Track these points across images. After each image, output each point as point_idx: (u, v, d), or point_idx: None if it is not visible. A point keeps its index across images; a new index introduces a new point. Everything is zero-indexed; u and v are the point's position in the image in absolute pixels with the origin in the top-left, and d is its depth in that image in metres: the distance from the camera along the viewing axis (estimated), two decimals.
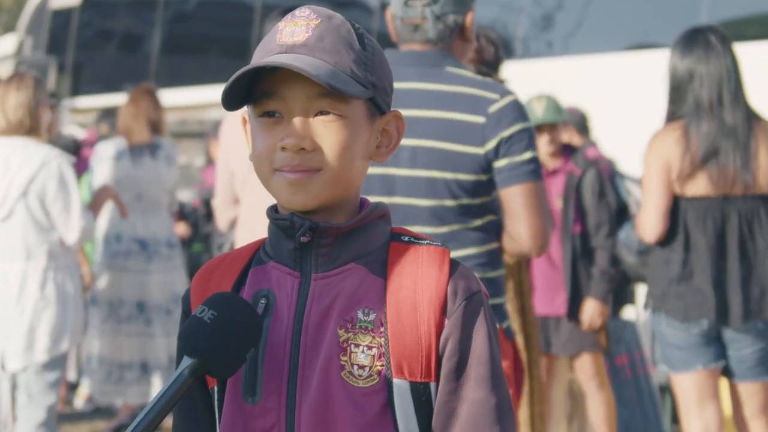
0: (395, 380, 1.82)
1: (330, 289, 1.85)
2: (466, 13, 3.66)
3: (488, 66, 4.82)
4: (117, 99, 10.27)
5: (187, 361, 1.76)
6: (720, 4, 8.90)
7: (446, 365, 1.83)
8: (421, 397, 1.83)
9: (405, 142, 3.45)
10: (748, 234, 4.77)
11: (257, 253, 1.93)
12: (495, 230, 3.61)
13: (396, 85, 3.50)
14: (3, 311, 5.76)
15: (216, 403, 1.89)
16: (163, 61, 13.93)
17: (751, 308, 4.75)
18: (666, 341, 4.89)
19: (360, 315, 1.83)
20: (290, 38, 1.83)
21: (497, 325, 3.42)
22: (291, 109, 1.82)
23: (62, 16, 15.32)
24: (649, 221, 4.82)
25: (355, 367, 1.82)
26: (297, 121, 1.81)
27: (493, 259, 3.59)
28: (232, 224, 5.21)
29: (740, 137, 4.73)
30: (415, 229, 3.35)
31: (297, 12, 1.86)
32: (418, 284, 1.84)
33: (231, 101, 1.84)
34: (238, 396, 1.85)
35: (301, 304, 1.85)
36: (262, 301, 1.86)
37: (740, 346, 4.79)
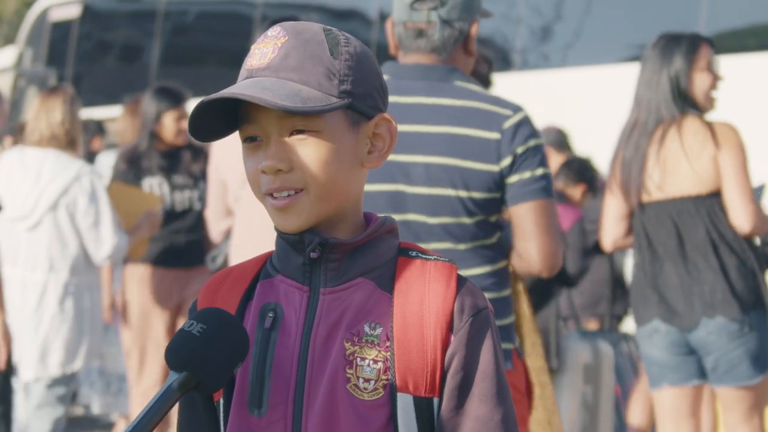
0: (399, 394, 1.84)
1: (338, 304, 1.86)
2: (472, 23, 3.54)
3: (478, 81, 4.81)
4: (117, 111, 10.27)
5: (175, 375, 1.76)
6: (718, 15, 8.92)
7: (451, 381, 1.84)
8: (424, 412, 1.85)
9: (416, 158, 3.40)
10: (686, 235, 4.77)
11: (264, 267, 1.94)
12: (504, 248, 3.53)
13: (400, 99, 3.40)
14: (19, 320, 5.79)
15: (221, 415, 1.90)
16: (163, 73, 13.94)
17: (698, 307, 4.71)
18: (642, 354, 4.94)
19: (366, 329, 1.85)
20: (258, 61, 1.85)
21: (512, 345, 3.32)
22: (267, 132, 1.84)
23: (62, 28, 15.33)
24: (602, 228, 5.04)
25: (361, 380, 1.83)
26: (273, 143, 1.83)
27: (504, 277, 3.52)
28: (225, 235, 5.22)
29: (644, 145, 4.81)
30: (431, 246, 3.34)
31: (269, 32, 1.88)
32: (425, 300, 1.85)
33: (203, 133, 1.86)
34: (244, 408, 1.87)
35: (310, 318, 1.86)
36: (270, 315, 1.87)
37: (710, 349, 4.72)
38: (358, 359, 1.83)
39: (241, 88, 1.81)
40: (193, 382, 1.76)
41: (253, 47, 1.88)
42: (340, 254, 1.86)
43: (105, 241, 5.86)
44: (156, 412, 1.74)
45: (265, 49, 1.85)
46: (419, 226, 3.43)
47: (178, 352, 1.77)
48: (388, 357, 1.83)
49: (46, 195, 5.80)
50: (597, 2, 10.02)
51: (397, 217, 3.36)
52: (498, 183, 3.42)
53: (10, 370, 5.03)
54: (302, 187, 1.83)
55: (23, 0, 26.19)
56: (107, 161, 7.85)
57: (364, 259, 1.87)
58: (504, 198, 3.45)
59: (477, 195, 3.41)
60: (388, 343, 1.84)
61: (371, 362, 1.83)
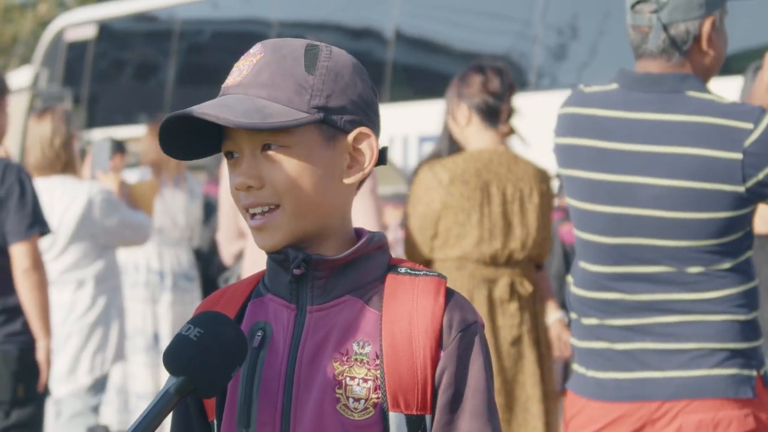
0: (391, 413, 1.82)
1: (325, 322, 1.85)
2: (704, 20, 3.24)
3: (495, 97, 4.78)
4: (133, 131, 10.30)
5: (173, 379, 1.76)
6: (732, 35, 8.92)
7: (442, 398, 1.83)
8: (417, 430, 1.83)
9: (645, 180, 3.20)
10: None
11: (257, 287, 1.94)
12: (750, 268, 3.27)
13: (627, 114, 3.23)
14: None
15: None
16: (179, 93, 13.99)
17: None
18: None
19: (355, 347, 1.83)
20: (233, 78, 1.87)
21: (756, 372, 3.16)
22: (241, 148, 1.84)
23: (78, 48, 15.39)
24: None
25: (351, 399, 1.82)
26: (245, 159, 1.84)
27: (750, 299, 3.24)
28: (237, 258, 5.24)
29: None
30: (656, 270, 3.21)
31: (251, 50, 1.89)
32: (413, 316, 1.83)
33: (176, 150, 1.87)
34: (233, 426, 1.86)
35: (297, 336, 1.85)
36: (259, 334, 1.87)
37: None
38: (348, 378, 1.82)
39: (201, 107, 1.82)
40: (190, 386, 1.76)
41: (235, 64, 1.90)
42: (326, 271, 1.85)
43: (139, 230, 6.18)
44: (154, 418, 1.74)
45: (242, 66, 1.87)
46: (645, 250, 3.21)
47: (175, 357, 1.76)
48: (378, 375, 1.82)
49: (64, 226, 5.88)
50: (612, 22, 10.03)
51: (619, 240, 3.23)
52: (746, 200, 3.18)
53: (45, 393, 5.08)
54: (276, 203, 1.83)
55: (39, 20, 26.30)
56: (129, 179, 7.87)
57: (352, 276, 1.86)
58: (753, 211, 3.25)
59: (721, 215, 3.18)
60: (377, 362, 1.82)
61: (361, 381, 1.82)
